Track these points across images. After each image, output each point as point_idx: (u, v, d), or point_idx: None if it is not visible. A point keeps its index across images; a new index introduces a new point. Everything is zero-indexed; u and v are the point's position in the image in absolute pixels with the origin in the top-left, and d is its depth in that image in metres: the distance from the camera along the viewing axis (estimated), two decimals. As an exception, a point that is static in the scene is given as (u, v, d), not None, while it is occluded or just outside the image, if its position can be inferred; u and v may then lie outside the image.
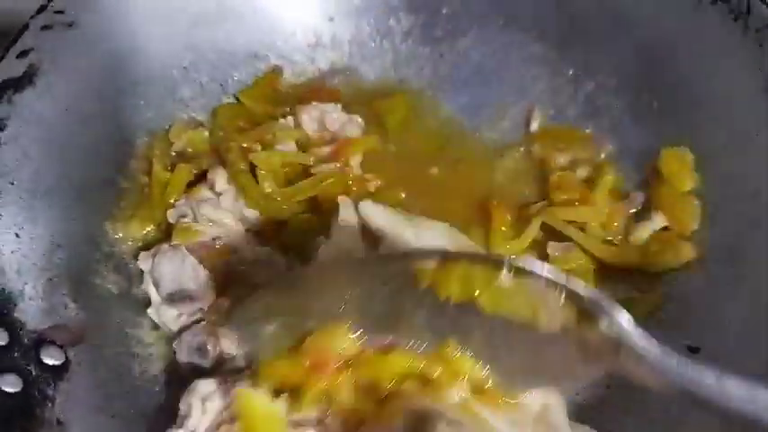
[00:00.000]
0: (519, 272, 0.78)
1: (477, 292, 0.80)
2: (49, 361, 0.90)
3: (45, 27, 1.02)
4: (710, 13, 1.03)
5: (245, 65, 1.24)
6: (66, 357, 0.92)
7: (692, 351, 0.93)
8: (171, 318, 1.01)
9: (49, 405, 0.86)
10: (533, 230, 1.06)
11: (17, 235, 0.95)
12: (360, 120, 1.19)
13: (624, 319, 0.73)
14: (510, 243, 1.06)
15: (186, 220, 1.06)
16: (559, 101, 1.19)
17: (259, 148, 1.11)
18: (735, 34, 1.00)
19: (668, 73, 1.08)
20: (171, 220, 1.07)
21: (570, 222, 1.06)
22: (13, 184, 0.96)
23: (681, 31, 1.07)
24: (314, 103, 1.18)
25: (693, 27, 1.05)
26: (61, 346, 0.92)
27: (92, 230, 1.05)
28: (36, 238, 0.97)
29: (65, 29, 1.04)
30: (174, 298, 1.01)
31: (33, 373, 0.87)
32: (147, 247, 1.07)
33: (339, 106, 1.19)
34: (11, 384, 0.84)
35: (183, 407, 0.87)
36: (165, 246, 1.04)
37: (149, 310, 1.03)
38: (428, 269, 0.82)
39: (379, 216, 0.96)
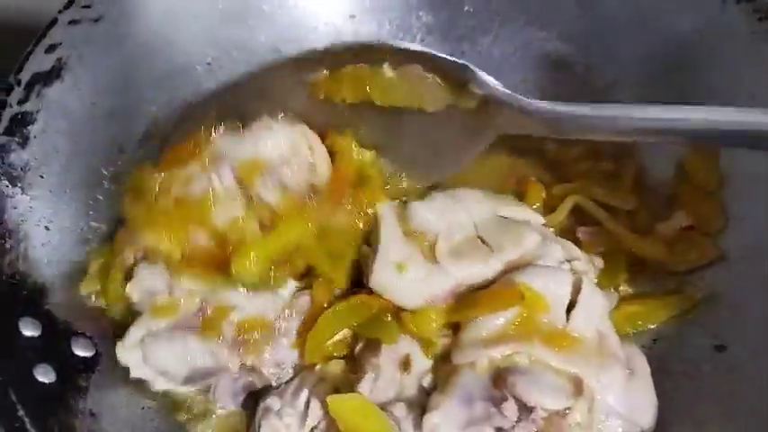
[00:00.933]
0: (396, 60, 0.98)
1: (367, 89, 0.99)
2: (80, 352, 0.91)
3: (72, 22, 1.03)
4: (735, 13, 1.03)
5: (268, 60, 1.24)
6: (97, 349, 0.93)
7: (718, 350, 0.93)
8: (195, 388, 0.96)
9: (83, 396, 0.87)
10: (567, 206, 1.08)
11: (47, 228, 0.96)
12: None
13: (487, 77, 0.94)
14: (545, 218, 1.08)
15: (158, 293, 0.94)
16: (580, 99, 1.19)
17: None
18: (759, 34, 1.00)
19: (692, 72, 1.08)
20: (134, 299, 0.95)
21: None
22: (42, 177, 0.97)
23: (705, 30, 1.07)
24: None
25: (717, 26, 1.05)
26: (91, 338, 0.93)
27: (119, 224, 1.05)
28: (65, 231, 0.98)
29: (92, 24, 1.04)
30: (193, 378, 0.94)
31: (66, 364, 0.88)
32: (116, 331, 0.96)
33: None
34: (45, 375, 0.84)
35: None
36: (153, 328, 0.93)
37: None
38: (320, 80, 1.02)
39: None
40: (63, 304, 0.93)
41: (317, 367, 0.94)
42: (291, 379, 0.95)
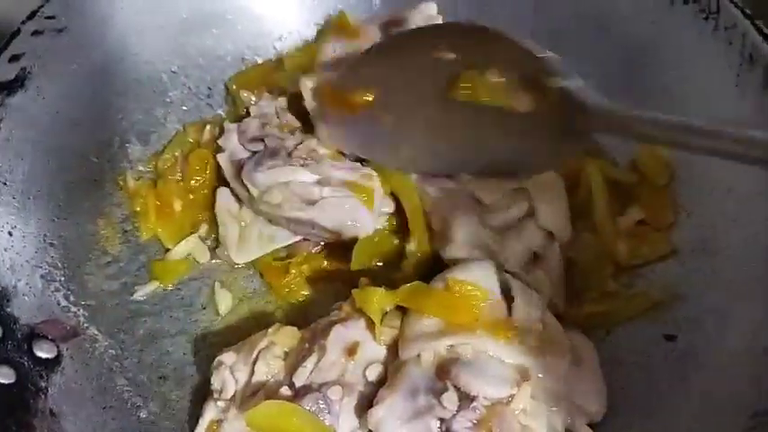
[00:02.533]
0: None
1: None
2: (42, 354, 0.92)
3: (36, 32, 1.05)
4: (683, 14, 1.06)
5: (233, 69, 1.27)
6: (59, 351, 0.95)
7: (669, 339, 0.95)
8: None
9: (43, 396, 0.89)
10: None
11: (10, 234, 0.98)
12: None
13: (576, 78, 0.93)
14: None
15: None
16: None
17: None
18: (705, 33, 1.03)
19: (644, 72, 1.11)
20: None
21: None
22: (6, 184, 0.99)
23: (656, 31, 1.09)
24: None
25: (668, 27, 1.08)
26: (53, 340, 0.95)
27: (83, 230, 1.08)
28: (28, 236, 1.00)
29: (55, 34, 1.07)
30: None
31: (26, 366, 0.90)
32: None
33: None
34: (4, 376, 0.86)
35: (216, 383, 0.95)
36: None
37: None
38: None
39: None
40: (26, 308, 0.95)
41: (270, 330, 0.97)
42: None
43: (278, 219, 1.09)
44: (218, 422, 0.93)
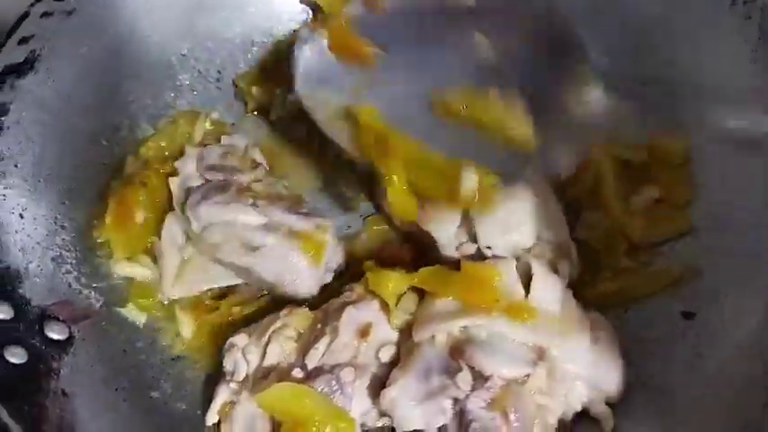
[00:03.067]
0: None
1: None
2: (54, 335, 0.92)
3: (45, 14, 1.04)
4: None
5: (243, 52, 1.26)
6: (71, 332, 0.95)
7: (687, 317, 0.94)
8: None
9: (54, 377, 0.89)
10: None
11: (21, 216, 0.97)
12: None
13: None
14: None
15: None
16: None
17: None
18: (722, 7, 1.01)
19: (657, 46, 1.09)
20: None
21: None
22: (17, 166, 0.98)
23: (670, 4, 1.08)
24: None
25: (682, 1, 1.06)
26: (65, 322, 0.94)
27: (93, 214, 1.06)
28: (39, 218, 0.99)
29: (65, 16, 1.06)
30: None
31: (38, 347, 0.90)
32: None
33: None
34: (16, 356, 0.86)
35: (228, 365, 0.94)
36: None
37: None
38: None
39: None
40: (37, 289, 0.94)
41: (282, 312, 0.97)
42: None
43: (216, 259, 1.02)
44: (231, 404, 0.93)
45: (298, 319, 0.97)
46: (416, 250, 1.08)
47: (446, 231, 0.99)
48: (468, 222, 0.98)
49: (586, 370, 0.87)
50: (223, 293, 1.07)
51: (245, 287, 1.07)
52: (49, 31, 1.04)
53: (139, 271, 1.06)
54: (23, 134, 1.00)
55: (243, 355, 0.94)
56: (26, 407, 0.82)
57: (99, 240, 1.05)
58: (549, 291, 0.90)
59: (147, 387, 0.99)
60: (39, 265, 0.96)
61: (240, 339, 0.96)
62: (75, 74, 1.07)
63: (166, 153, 1.15)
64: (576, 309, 0.92)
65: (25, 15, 1.03)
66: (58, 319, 0.94)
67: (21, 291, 0.93)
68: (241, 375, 0.93)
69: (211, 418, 0.94)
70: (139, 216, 1.06)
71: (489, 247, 0.96)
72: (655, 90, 1.09)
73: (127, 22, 1.14)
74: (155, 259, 1.07)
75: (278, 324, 0.96)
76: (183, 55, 1.21)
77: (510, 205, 0.97)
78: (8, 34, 1.01)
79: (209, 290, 1.06)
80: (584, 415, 0.89)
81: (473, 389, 0.83)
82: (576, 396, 0.87)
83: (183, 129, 1.18)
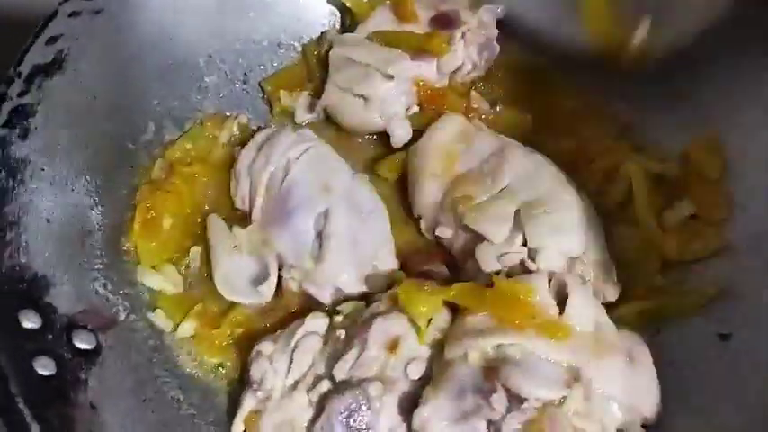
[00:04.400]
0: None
1: None
2: (81, 345, 0.91)
3: (73, 14, 1.02)
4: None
5: (270, 54, 1.24)
6: (98, 342, 0.93)
7: (723, 338, 0.93)
8: None
9: (83, 389, 0.87)
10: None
11: (48, 221, 0.96)
12: None
13: None
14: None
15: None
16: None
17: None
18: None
19: (697, 58, 1.07)
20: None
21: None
22: (43, 170, 0.97)
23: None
24: None
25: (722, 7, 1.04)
26: (93, 331, 0.93)
27: (120, 218, 1.05)
28: (66, 224, 0.98)
29: (93, 16, 1.04)
30: None
31: (66, 357, 0.88)
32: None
33: None
34: (45, 367, 0.84)
35: (255, 373, 0.93)
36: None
37: None
38: None
39: None
40: (64, 297, 0.93)
41: (307, 318, 0.96)
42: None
43: None
44: (258, 413, 0.92)
45: (323, 326, 0.96)
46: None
47: (500, 230, 0.97)
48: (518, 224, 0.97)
49: (622, 391, 0.86)
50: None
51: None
52: (77, 30, 1.02)
53: (167, 284, 1.05)
54: (50, 137, 0.98)
55: (270, 363, 0.93)
56: (56, 421, 0.81)
57: (126, 248, 1.04)
58: (584, 309, 0.89)
59: (176, 399, 0.98)
60: (66, 272, 0.95)
61: (266, 347, 0.95)
62: (102, 75, 1.06)
63: (192, 155, 1.14)
64: (610, 328, 0.90)
65: (54, 14, 1.01)
66: (86, 328, 0.92)
67: (47, 299, 0.91)
68: (269, 384, 0.92)
69: (237, 428, 0.93)
70: (167, 223, 1.06)
71: (536, 250, 0.95)
72: (695, 100, 1.08)
73: (154, 23, 1.12)
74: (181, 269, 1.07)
75: (303, 331, 0.95)
76: (210, 56, 1.20)
77: (561, 211, 0.97)
78: (36, 34, 1.00)
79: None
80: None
81: (508, 411, 0.81)
82: (612, 419, 0.85)
83: (210, 131, 1.17)
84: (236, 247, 1.05)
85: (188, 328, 1.03)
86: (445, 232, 1.04)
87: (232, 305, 1.05)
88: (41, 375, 0.83)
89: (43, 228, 0.95)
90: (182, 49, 1.16)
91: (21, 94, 0.96)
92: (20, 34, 0.99)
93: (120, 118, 1.08)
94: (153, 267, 1.05)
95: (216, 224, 1.08)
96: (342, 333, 0.94)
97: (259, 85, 1.24)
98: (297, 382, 0.92)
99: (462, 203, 1.01)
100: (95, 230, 1.01)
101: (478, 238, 0.98)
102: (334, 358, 0.92)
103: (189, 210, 1.09)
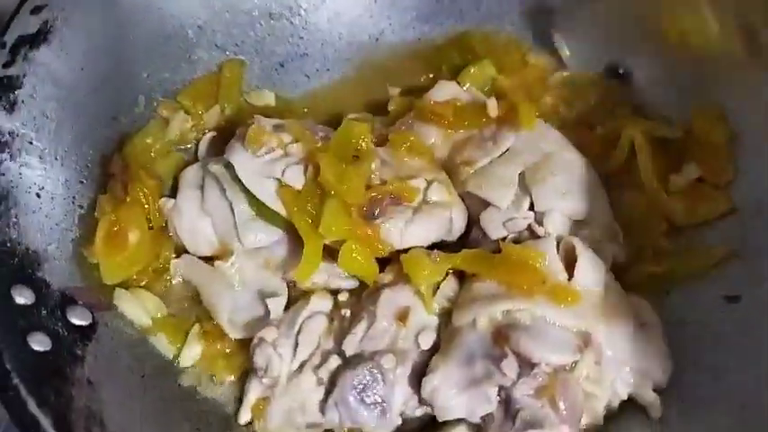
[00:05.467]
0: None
1: None
2: (76, 321, 0.89)
3: (58, -18, 0.99)
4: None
5: (261, 24, 1.21)
6: (94, 318, 0.91)
7: (732, 300, 0.91)
8: None
9: (79, 365, 0.85)
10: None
11: (38, 195, 0.94)
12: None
13: None
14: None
15: None
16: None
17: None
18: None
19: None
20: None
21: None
22: (32, 143, 0.94)
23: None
24: None
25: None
26: (88, 307, 0.91)
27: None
28: (57, 198, 0.96)
29: (79, -16, 1.01)
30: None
31: (61, 333, 0.86)
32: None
33: None
34: (40, 343, 0.82)
35: (259, 360, 0.89)
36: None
37: None
38: None
39: None
40: (57, 272, 0.91)
41: (311, 300, 0.93)
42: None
43: None
44: (265, 400, 0.90)
45: (326, 305, 0.94)
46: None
47: (505, 194, 0.94)
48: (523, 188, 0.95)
49: (632, 356, 0.84)
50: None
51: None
52: (61, 0, 0.99)
53: (145, 312, 0.97)
54: (38, 109, 0.96)
55: (274, 350, 0.90)
56: (53, 397, 0.78)
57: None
58: (593, 273, 0.87)
59: (174, 374, 0.95)
60: (58, 247, 0.93)
61: (269, 333, 0.91)
62: (90, 46, 1.02)
63: (152, 154, 1.09)
64: (619, 293, 0.89)
65: (38, -17, 0.98)
66: (80, 304, 0.90)
67: (40, 274, 0.89)
68: (274, 371, 0.89)
69: (244, 416, 0.91)
70: (133, 236, 0.98)
71: (543, 214, 0.93)
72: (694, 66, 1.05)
73: (141, -8, 1.09)
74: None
75: (306, 312, 0.92)
76: (200, 27, 1.16)
77: (566, 173, 0.95)
78: (21, 2, 0.97)
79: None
80: (629, 403, 0.87)
81: (519, 376, 0.80)
82: (623, 383, 0.84)
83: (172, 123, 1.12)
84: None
85: (194, 353, 0.97)
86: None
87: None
88: (37, 351, 0.81)
89: (33, 202, 0.93)
90: (171, 20, 1.13)
91: (5, 65, 0.94)
92: (4, 4, 0.97)
93: (110, 90, 1.05)
94: (125, 288, 0.97)
95: (194, 267, 1.00)
96: (347, 312, 0.92)
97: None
98: (303, 364, 0.90)
99: (464, 168, 0.99)
100: (86, 204, 0.99)
101: (483, 204, 0.96)
102: (342, 334, 0.89)
103: (156, 224, 1.01)
